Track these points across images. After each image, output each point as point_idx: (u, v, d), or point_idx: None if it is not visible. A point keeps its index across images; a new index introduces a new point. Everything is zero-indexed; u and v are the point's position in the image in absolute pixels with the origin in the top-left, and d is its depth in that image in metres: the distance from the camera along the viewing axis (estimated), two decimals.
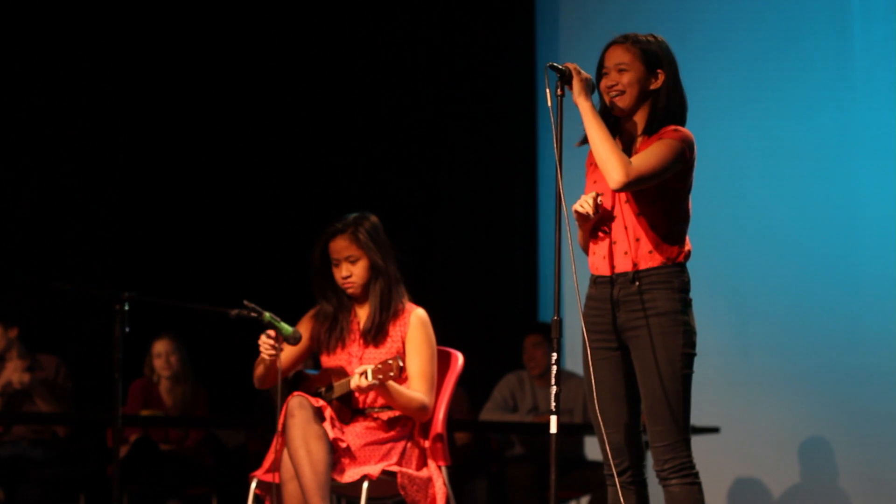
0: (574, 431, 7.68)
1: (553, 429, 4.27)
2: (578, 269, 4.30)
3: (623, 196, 4.34)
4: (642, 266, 4.32)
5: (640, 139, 4.38)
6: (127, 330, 5.26)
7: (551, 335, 4.30)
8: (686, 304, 4.34)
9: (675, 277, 4.33)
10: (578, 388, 7.76)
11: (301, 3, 9.08)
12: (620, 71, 4.35)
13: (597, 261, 4.42)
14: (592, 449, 7.94)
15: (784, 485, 8.07)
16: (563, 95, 4.31)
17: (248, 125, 9.00)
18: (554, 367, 4.30)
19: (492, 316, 9.04)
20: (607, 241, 4.38)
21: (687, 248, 4.38)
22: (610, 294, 4.37)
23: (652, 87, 4.36)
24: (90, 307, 8.43)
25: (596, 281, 4.42)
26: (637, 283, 4.32)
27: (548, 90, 4.30)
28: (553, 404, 4.29)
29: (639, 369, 4.33)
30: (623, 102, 4.36)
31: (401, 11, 9.11)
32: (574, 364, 7.86)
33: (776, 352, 8.02)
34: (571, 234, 4.29)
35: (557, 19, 9.06)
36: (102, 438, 7.85)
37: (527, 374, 7.94)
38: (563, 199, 4.27)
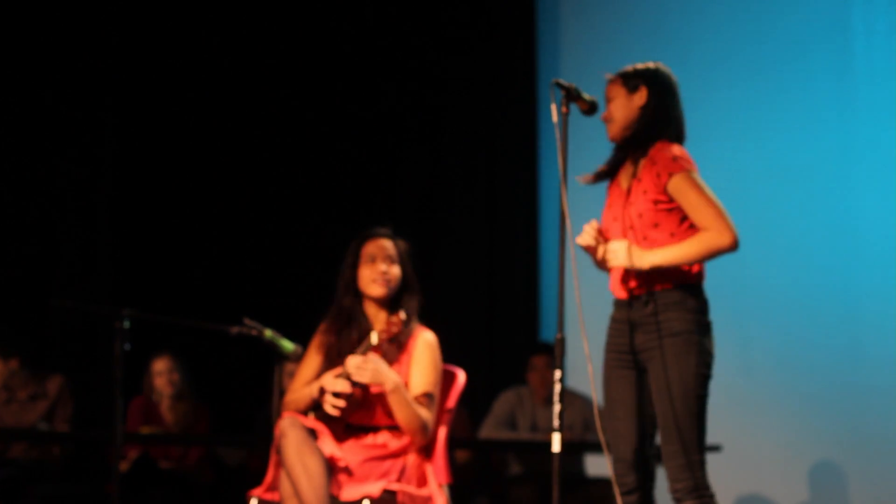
0: (575, 449, 7.67)
1: (556, 447, 4.27)
2: (581, 286, 4.30)
3: (629, 221, 4.39)
4: (655, 288, 4.36)
5: (637, 161, 4.44)
6: (127, 347, 5.24)
7: (554, 352, 4.30)
8: (701, 326, 4.37)
9: (688, 298, 4.37)
10: (579, 406, 7.76)
11: (298, 27, 9.08)
12: (609, 101, 4.51)
13: (613, 284, 4.49)
14: (593, 466, 7.92)
15: (785, 502, 8.06)
16: (568, 112, 4.34)
17: (248, 140, 9.00)
18: (557, 386, 4.30)
19: (493, 334, 9.03)
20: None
21: (698, 269, 4.40)
22: (627, 316, 4.39)
23: (637, 106, 4.42)
24: (89, 324, 8.43)
25: (615, 303, 4.49)
26: (651, 305, 4.35)
27: (553, 106, 4.33)
28: (556, 422, 4.28)
29: (654, 389, 4.37)
30: (612, 130, 4.52)
31: (402, 30, 9.11)
32: (575, 382, 7.84)
33: (778, 370, 8.02)
34: (574, 251, 4.30)
35: (558, 38, 9.07)
36: (102, 456, 7.84)
37: (526, 390, 7.92)
38: (567, 216, 4.28)
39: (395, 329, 4.91)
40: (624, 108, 4.47)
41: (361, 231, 5.29)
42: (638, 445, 4.43)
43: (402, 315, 4.92)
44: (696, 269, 4.39)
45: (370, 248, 5.21)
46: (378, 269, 5.17)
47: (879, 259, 7.80)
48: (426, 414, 5.06)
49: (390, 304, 5.22)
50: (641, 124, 4.45)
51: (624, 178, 4.49)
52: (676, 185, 4.36)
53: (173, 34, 8.88)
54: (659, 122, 4.45)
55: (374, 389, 5.08)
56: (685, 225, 4.39)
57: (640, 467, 4.43)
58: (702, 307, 4.38)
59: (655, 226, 4.37)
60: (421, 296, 5.23)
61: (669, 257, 4.34)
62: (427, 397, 5.09)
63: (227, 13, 8.98)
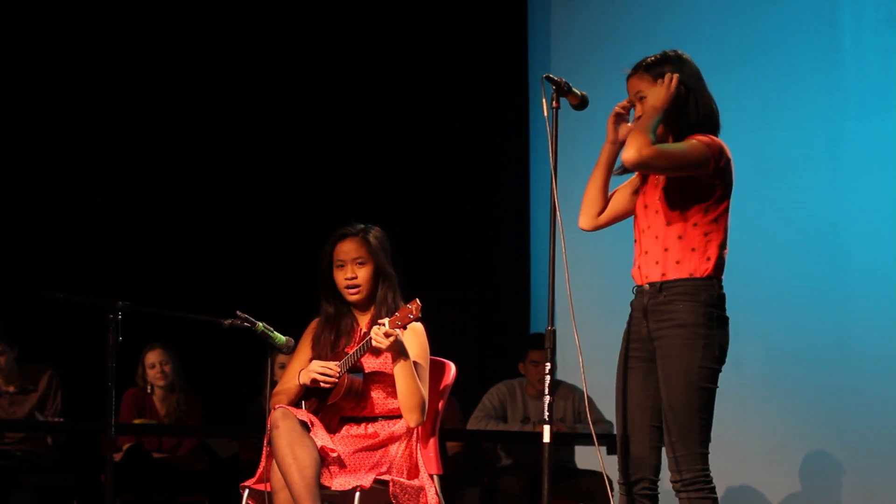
0: (565, 441, 7.69)
1: (546, 438, 4.30)
2: (572, 278, 4.32)
3: (655, 206, 4.41)
4: (670, 277, 4.38)
5: None
6: (120, 339, 5.26)
7: (545, 345, 4.33)
8: (713, 319, 4.37)
9: (702, 290, 4.37)
10: (572, 398, 7.79)
11: (289, 20, 9.07)
12: (641, 100, 4.42)
13: (633, 270, 4.50)
14: (583, 458, 7.95)
15: (775, 495, 8.08)
16: (558, 107, 4.36)
17: (241, 133, 9.00)
18: (548, 378, 4.33)
19: (484, 326, 9.05)
20: (641, 250, 4.44)
21: (717, 262, 4.40)
22: (642, 303, 4.41)
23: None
24: (82, 316, 8.44)
25: (634, 290, 4.51)
26: (663, 294, 4.36)
27: (544, 100, 4.35)
28: (546, 414, 4.31)
29: (660, 379, 4.37)
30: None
31: (394, 26, 9.11)
32: (565, 374, 7.87)
33: (767, 363, 8.03)
34: (565, 241, 4.32)
35: (549, 30, 9.08)
36: (95, 447, 7.86)
37: (518, 383, 7.95)
38: (557, 208, 4.30)
39: (412, 316, 4.92)
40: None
41: (338, 226, 5.32)
42: (648, 437, 4.45)
43: (418, 302, 4.93)
44: (712, 261, 4.39)
45: (338, 252, 5.24)
46: (347, 275, 5.21)
47: (867, 253, 7.82)
48: (425, 391, 5.10)
49: (369, 301, 5.26)
50: (682, 124, 4.42)
51: None
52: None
53: (169, 30, 8.88)
54: (701, 119, 4.43)
55: (368, 368, 5.12)
56: (710, 217, 4.40)
57: (650, 459, 4.45)
58: (715, 301, 4.38)
59: (681, 212, 4.37)
60: (396, 282, 5.25)
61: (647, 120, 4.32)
62: (422, 383, 5.11)
63: (222, 9, 8.98)
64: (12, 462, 7.42)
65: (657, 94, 4.34)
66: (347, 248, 5.23)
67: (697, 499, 4.35)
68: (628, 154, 4.23)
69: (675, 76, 4.37)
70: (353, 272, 5.20)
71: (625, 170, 4.49)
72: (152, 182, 8.88)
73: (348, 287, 5.22)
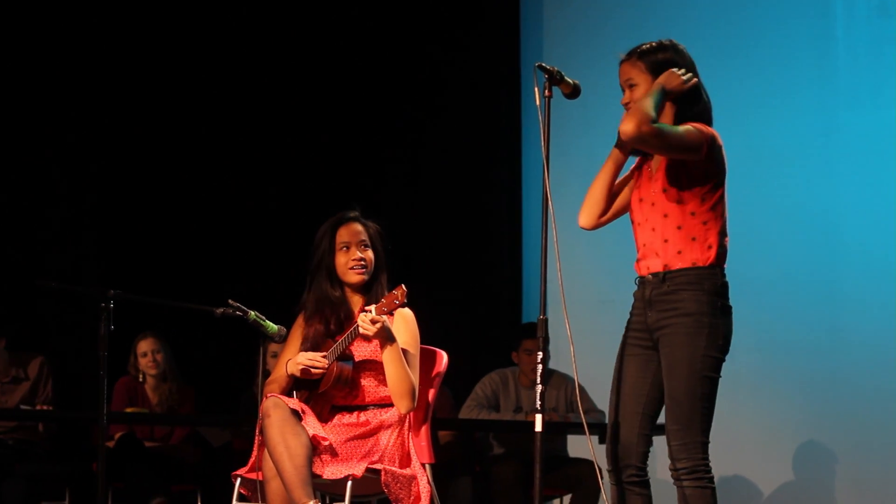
0: (558, 430, 7.70)
1: (538, 427, 4.30)
2: (564, 268, 4.32)
3: (651, 198, 4.41)
4: (672, 267, 4.39)
5: None
6: (112, 328, 5.26)
7: (537, 334, 4.33)
8: (717, 308, 4.37)
9: (705, 279, 4.37)
10: (565, 387, 7.80)
11: (286, 17, 9.07)
12: (631, 87, 4.42)
13: (636, 262, 4.49)
14: (575, 447, 7.95)
15: (768, 484, 8.10)
16: (551, 96, 4.35)
17: (231, 122, 8.99)
18: (539, 367, 4.33)
19: (477, 315, 9.05)
20: (641, 242, 4.46)
21: (718, 250, 4.40)
22: (645, 294, 4.41)
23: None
24: (74, 305, 8.43)
25: (636, 281, 4.51)
26: (667, 284, 4.36)
27: (536, 89, 4.34)
28: (538, 403, 4.32)
29: (663, 367, 4.37)
30: None
31: (388, 15, 9.10)
32: (558, 363, 7.88)
33: (760, 353, 8.04)
34: (557, 231, 4.32)
35: (541, 19, 9.07)
36: (88, 435, 7.86)
37: (511, 372, 7.96)
38: (549, 198, 4.31)
39: (397, 302, 4.92)
40: None
41: (332, 216, 5.31)
42: (639, 425, 4.45)
43: (404, 288, 4.93)
44: (713, 249, 4.39)
45: (343, 234, 5.24)
46: (355, 256, 5.21)
47: (860, 242, 7.82)
48: (415, 378, 5.10)
49: (366, 286, 5.26)
50: (676, 115, 4.41)
51: (654, 161, 4.49)
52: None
53: (166, 29, 8.87)
54: (695, 112, 4.43)
55: (358, 356, 5.12)
56: (706, 205, 4.40)
57: (639, 447, 4.46)
58: (718, 289, 4.37)
59: (678, 203, 4.38)
60: (390, 273, 5.27)
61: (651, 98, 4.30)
62: (412, 370, 5.11)
63: (220, 8, 8.97)
64: (4, 451, 7.42)
65: (671, 77, 4.34)
66: (353, 231, 5.23)
67: (696, 487, 4.35)
68: (627, 126, 4.21)
69: (696, 80, 4.37)
70: (360, 253, 5.20)
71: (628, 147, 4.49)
72: (145, 172, 8.87)
73: (354, 268, 5.21)
